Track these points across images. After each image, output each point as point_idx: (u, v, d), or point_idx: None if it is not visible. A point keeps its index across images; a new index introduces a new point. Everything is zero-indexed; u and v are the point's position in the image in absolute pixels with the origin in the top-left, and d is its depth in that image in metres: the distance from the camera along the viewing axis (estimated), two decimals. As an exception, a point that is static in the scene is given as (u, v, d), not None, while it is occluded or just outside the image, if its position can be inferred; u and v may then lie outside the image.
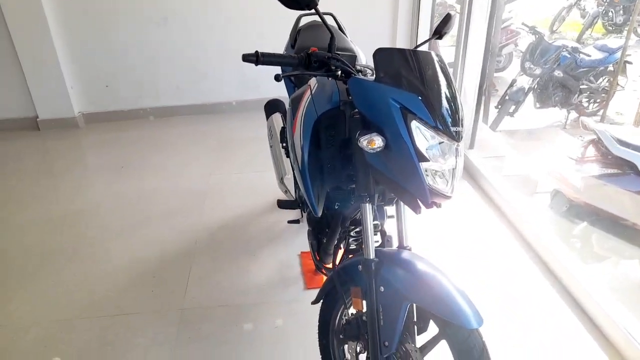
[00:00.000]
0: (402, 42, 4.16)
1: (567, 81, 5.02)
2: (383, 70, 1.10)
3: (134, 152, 3.57)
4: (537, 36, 5.34)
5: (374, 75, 1.19)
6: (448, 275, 1.19)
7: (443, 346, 1.18)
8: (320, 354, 1.51)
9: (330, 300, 1.44)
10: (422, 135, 1.06)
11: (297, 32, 2.18)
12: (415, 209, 1.14)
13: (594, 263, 2.50)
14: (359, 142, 1.08)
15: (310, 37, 2.12)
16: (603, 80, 5.21)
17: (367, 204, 1.23)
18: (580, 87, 5.05)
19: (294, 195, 2.17)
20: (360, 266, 1.25)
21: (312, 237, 1.80)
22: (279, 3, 1.07)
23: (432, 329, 1.21)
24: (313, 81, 1.45)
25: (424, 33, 4.04)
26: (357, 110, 1.17)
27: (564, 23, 7.16)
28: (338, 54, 1.16)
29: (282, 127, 2.28)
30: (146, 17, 3.85)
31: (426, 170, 1.07)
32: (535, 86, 5.02)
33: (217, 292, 2.07)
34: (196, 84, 4.15)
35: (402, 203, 1.32)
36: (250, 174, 3.13)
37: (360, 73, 1.20)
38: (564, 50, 5.20)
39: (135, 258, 2.33)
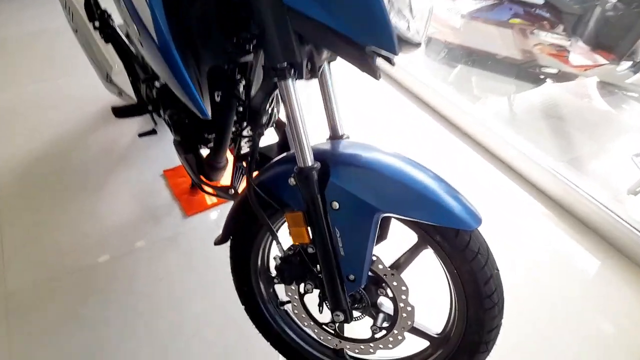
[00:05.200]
0: None
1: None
2: None
3: None
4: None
5: None
6: (423, 165, 0.81)
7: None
8: (243, 305, 1.08)
9: (244, 234, 0.98)
10: None
11: None
12: (374, 72, 0.68)
13: (477, 103, 2.43)
14: None
15: None
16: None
17: (290, 80, 0.73)
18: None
19: (133, 95, 1.50)
20: (292, 179, 0.79)
21: (184, 149, 1.24)
22: None
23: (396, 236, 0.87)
24: None
25: None
26: None
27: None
28: None
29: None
30: None
31: (389, 1, 0.62)
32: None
33: (56, 260, 1.41)
34: None
35: (328, 75, 0.85)
36: (47, 82, 2.23)
37: None
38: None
39: None
